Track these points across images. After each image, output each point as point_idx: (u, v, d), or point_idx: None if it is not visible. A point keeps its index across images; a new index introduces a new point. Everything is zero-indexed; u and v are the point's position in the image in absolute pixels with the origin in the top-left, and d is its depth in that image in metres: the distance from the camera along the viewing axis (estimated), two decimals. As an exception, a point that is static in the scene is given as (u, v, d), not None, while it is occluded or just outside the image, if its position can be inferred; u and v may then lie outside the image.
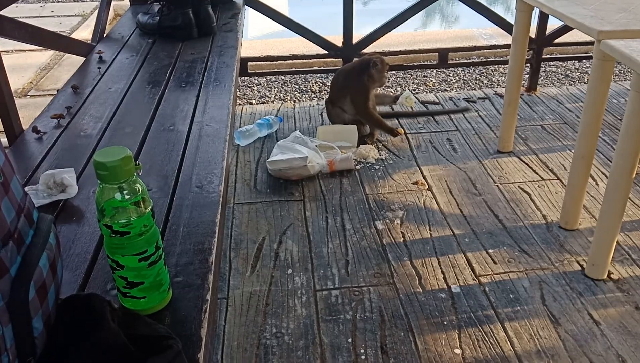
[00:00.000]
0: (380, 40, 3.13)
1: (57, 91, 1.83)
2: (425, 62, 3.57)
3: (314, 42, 3.08)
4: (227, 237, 2.11)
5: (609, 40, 1.58)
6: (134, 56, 2.07)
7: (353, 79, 2.67)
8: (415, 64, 3.46)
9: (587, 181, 1.97)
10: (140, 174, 0.88)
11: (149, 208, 0.89)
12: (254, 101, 3.78)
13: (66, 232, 1.17)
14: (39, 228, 0.80)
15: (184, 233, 1.14)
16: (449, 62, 3.23)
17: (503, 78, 4.03)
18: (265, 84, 4.06)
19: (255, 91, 3.95)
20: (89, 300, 0.83)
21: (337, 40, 3.12)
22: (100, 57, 2.07)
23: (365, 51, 3.12)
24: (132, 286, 0.91)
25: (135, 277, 0.90)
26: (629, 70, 3.80)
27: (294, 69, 3.52)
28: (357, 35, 3.17)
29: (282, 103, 3.31)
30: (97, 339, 0.77)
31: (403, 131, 2.72)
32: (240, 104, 3.72)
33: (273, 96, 3.86)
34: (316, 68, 3.62)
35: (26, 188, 1.28)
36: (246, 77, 3.80)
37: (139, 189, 0.87)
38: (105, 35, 2.37)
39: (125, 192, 0.85)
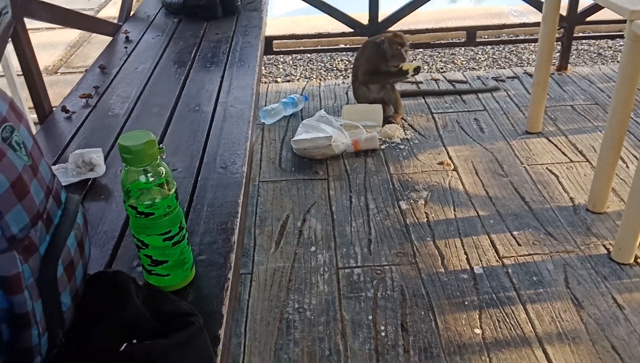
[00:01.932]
0: (407, 18, 3.09)
1: (86, 70, 1.86)
2: (453, 41, 3.51)
3: (339, 20, 3.06)
4: (252, 214, 2.14)
5: (642, 19, 1.53)
6: (160, 36, 2.09)
7: (366, 51, 2.70)
8: (442, 42, 3.41)
9: (616, 164, 1.94)
10: (164, 157, 0.90)
11: (173, 190, 0.91)
12: (279, 79, 3.78)
13: (94, 210, 1.20)
14: (67, 208, 0.82)
15: (207, 213, 1.17)
16: (477, 40, 3.18)
17: (533, 57, 3.94)
18: (291, 62, 4.06)
19: (281, 69, 3.95)
20: (115, 277, 0.86)
21: (363, 17, 3.09)
22: (127, 37, 2.09)
23: (392, 28, 3.08)
24: (156, 264, 0.94)
25: (159, 256, 0.93)
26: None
27: (319, 47, 3.50)
28: (384, 12, 3.13)
29: (308, 82, 3.31)
30: (121, 315, 0.80)
31: (413, 72, 2.65)
32: (265, 82, 3.73)
33: (298, 74, 3.85)
34: (342, 46, 3.60)
35: (56, 166, 1.32)
36: (271, 55, 3.79)
37: (162, 172, 0.89)
38: (131, 14, 2.39)
39: (149, 174, 0.88)
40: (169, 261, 0.94)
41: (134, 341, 0.77)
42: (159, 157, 0.89)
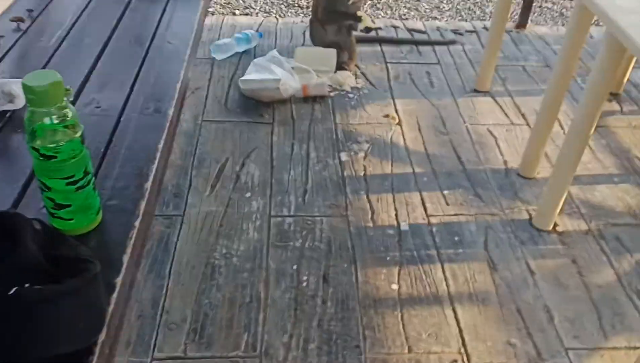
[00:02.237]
0: (371, -39, 3.00)
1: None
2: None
3: (302, -43, 2.95)
4: (190, 155, 2.12)
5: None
6: (105, -42, 1.99)
7: None
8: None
9: (551, 128, 1.98)
10: (70, 99, 0.88)
11: (79, 133, 0.90)
12: (237, 12, 3.67)
13: (11, 143, 1.18)
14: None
15: (124, 156, 1.15)
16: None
17: (497, 12, 3.92)
18: (253, -6, 3.93)
19: (240, 1, 3.83)
20: (12, 219, 0.86)
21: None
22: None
23: (355, -29, 2.99)
24: (59, 208, 0.93)
25: (62, 199, 0.92)
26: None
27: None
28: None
29: (265, 18, 3.22)
30: (14, 258, 0.80)
31: (366, 18, 2.59)
32: (223, 14, 3.61)
33: (258, 8, 3.74)
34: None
35: (-26, 95, 1.27)
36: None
37: (68, 115, 0.87)
38: None
39: (54, 117, 0.86)
40: (72, 205, 0.93)
41: (27, 285, 0.77)
42: (65, 99, 0.87)
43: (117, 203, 1.04)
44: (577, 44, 1.78)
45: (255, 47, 2.86)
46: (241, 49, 2.81)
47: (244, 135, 2.25)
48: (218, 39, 2.85)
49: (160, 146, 1.19)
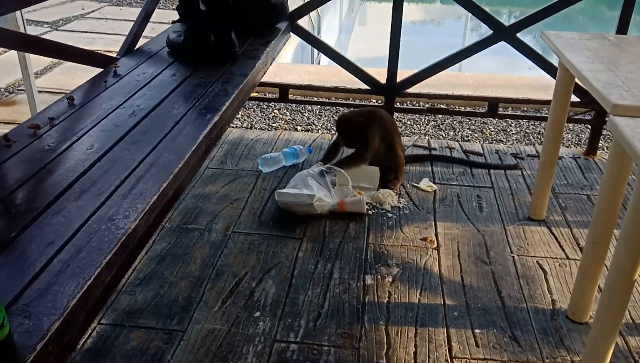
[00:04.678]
0: (427, 81, 2.96)
1: (58, 99, 1.85)
2: (475, 110, 3.34)
3: (356, 76, 2.97)
4: (210, 266, 2.05)
5: (618, 117, 1.36)
6: (145, 74, 2.07)
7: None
8: (461, 110, 3.26)
9: (601, 267, 1.72)
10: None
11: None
12: (299, 128, 3.73)
13: None
14: None
15: (59, 269, 1.06)
16: (499, 112, 3.01)
17: (569, 136, 3.72)
18: (317, 112, 4.01)
19: (305, 118, 3.90)
20: None
21: (382, 74, 2.99)
22: (115, 71, 2.08)
23: (410, 91, 2.97)
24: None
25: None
26: None
27: (333, 100, 3.43)
28: (407, 71, 3.02)
29: (320, 134, 3.22)
30: None
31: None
32: (286, 129, 3.69)
33: (320, 125, 3.79)
34: (358, 102, 3.51)
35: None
36: (288, 103, 3.74)
37: None
38: (136, 48, 2.40)
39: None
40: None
41: None
42: None
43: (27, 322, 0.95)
44: (621, 177, 1.56)
45: (303, 161, 2.84)
46: (289, 163, 2.80)
47: (270, 249, 2.15)
48: (270, 152, 2.87)
49: (101, 265, 1.07)
